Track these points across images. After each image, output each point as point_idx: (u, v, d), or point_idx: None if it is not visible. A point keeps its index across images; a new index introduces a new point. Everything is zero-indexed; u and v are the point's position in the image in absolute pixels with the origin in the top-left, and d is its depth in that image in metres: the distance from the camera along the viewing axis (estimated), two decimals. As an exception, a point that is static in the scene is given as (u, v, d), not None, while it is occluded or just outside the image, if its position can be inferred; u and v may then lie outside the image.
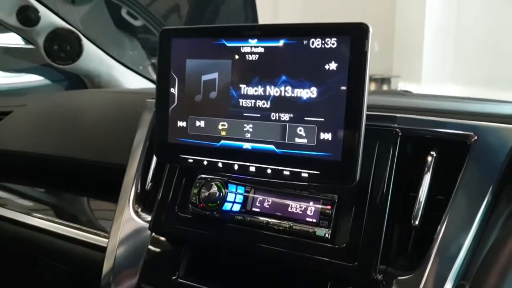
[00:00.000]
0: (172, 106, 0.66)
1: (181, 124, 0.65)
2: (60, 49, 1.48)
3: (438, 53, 3.50)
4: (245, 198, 0.67)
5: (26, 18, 1.41)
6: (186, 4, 2.44)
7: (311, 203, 0.62)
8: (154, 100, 0.87)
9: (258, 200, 0.66)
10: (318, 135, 0.56)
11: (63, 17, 1.50)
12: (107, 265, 0.75)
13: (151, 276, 0.70)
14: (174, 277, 0.69)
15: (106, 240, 0.77)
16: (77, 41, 1.49)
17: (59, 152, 0.97)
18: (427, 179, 0.60)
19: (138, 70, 1.74)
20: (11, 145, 1.09)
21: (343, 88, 0.55)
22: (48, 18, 1.46)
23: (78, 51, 1.49)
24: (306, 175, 0.57)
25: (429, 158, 0.60)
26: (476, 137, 0.59)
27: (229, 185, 0.67)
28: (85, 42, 1.50)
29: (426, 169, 0.60)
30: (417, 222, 0.59)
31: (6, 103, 1.27)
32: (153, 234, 0.73)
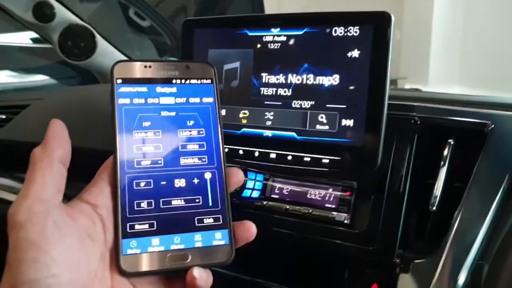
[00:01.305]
0: (194, 95, 0.67)
1: (203, 112, 0.67)
2: (74, 46, 1.50)
3: (445, 55, 3.50)
4: (264, 185, 0.68)
5: (42, 14, 1.43)
6: (193, 4, 2.46)
7: (330, 190, 0.64)
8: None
9: (277, 186, 0.67)
10: (340, 122, 0.58)
11: (77, 13, 1.52)
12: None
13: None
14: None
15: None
16: (91, 37, 1.51)
17: (74, 143, 0.99)
18: (444, 166, 0.61)
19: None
20: (28, 136, 1.11)
21: (366, 75, 0.56)
22: (63, 15, 1.48)
23: (91, 47, 1.51)
24: (327, 161, 0.58)
25: (447, 146, 0.62)
26: (492, 126, 0.60)
27: (248, 172, 0.69)
28: (99, 38, 1.52)
29: (444, 156, 0.61)
30: (434, 208, 0.60)
31: (24, 97, 1.29)
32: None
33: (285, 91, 0.61)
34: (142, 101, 0.43)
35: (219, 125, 0.44)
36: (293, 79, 0.60)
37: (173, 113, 0.43)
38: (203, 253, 0.40)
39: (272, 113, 0.62)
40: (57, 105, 1.19)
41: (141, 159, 0.42)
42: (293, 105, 0.60)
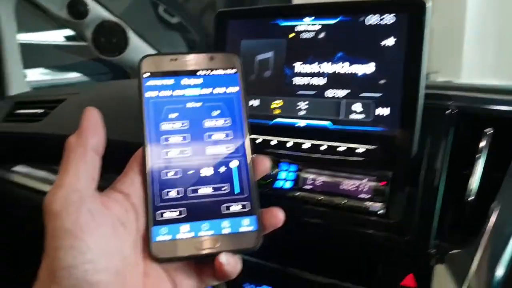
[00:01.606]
0: (227, 86, 0.68)
1: (235, 103, 0.67)
2: (107, 42, 1.52)
3: (480, 47, 3.41)
4: (297, 176, 0.68)
5: (76, 11, 1.46)
6: (222, 0, 2.47)
7: (364, 180, 0.63)
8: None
9: (310, 177, 0.67)
10: (375, 110, 0.57)
11: (110, 10, 1.55)
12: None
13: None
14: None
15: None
16: (123, 33, 1.53)
17: (109, 135, 1.01)
18: (482, 156, 0.60)
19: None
20: (64, 130, 1.13)
21: (401, 63, 0.55)
22: (96, 11, 1.51)
23: (124, 43, 1.53)
24: (361, 150, 0.58)
25: (484, 136, 0.60)
26: (532, 114, 0.59)
27: (281, 164, 0.69)
28: (131, 34, 1.54)
29: (481, 146, 0.60)
30: (471, 198, 0.59)
31: (60, 92, 1.32)
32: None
33: (318, 81, 0.60)
34: (169, 93, 0.44)
35: (244, 114, 0.45)
36: (327, 68, 0.60)
37: (199, 104, 0.44)
38: (231, 239, 0.41)
39: (305, 103, 0.61)
40: (91, 99, 1.21)
41: (169, 150, 0.43)
42: (327, 95, 0.60)
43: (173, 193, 0.42)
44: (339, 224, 0.63)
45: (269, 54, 0.64)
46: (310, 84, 0.61)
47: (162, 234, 0.40)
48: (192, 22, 2.22)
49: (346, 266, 0.65)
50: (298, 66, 0.62)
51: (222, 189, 0.43)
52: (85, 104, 1.21)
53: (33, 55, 1.65)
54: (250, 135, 0.44)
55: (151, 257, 0.40)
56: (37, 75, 2.22)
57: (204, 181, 0.43)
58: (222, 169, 0.43)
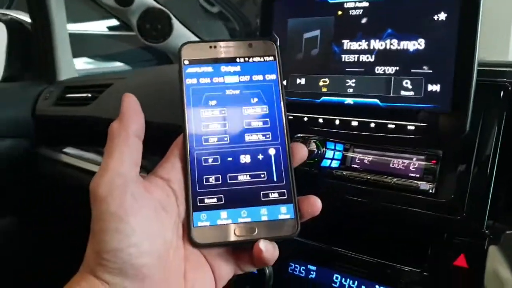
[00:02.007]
0: (273, 66, 0.68)
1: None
2: (152, 28, 1.55)
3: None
4: (344, 155, 0.68)
5: (123, -1, 1.49)
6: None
7: (414, 159, 0.62)
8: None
9: (357, 156, 0.66)
10: (426, 87, 0.56)
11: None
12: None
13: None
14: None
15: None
16: (168, 20, 1.55)
17: (155, 119, 1.03)
18: (539, 134, 0.57)
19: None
20: (111, 114, 1.16)
21: (454, 38, 0.54)
22: (141, -1, 1.54)
23: (168, 30, 1.55)
24: (412, 127, 0.57)
25: (541, 114, 0.58)
26: None
27: (327, 142, 0.69)
28: (175, 21, 1.56)
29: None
30: (527, 178, 0.57)
31: (108, 77, 1.36)
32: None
33: (367, 57, 0.60)
34: (208, 80, 0.44)
35: (282, 102, 0.45)
36: (376, 44, 0.59)
37: (237, 91, 0.45)
38: (269, 226, 0.42)
39: (353, 80, 0.61)
40: (137, 83, 1.24)
41: (209, 136, 0.43)
42: (376, 71, 0.59)
43: (212, 180, 0.43)
44: (388, 203, 0.62)
45: (316, 32, 0.64)
46: (358, 61, 0.60)
47: (202, 220, 0.41)
48: (232, 11, 2.23)
49: (395, 246, 0.64)
50: (347, 44, 0.61)
51: (260, 176, 0.43)
52: (131, 89, 1.25)
53: (78, 45, 1.69)
54: (287, 122, 0.45)
55: (191, 242, 0.41)
56: (82, 64, 2.28)
57: (243, 168, 0.43)
58: (260, 157, 0.44)
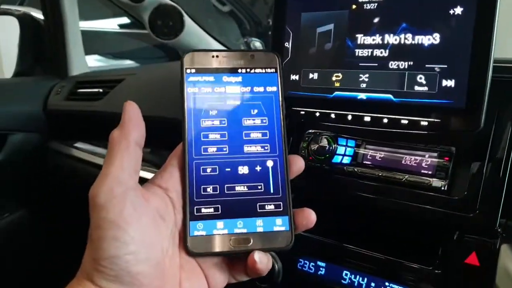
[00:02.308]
0: (286, 60, 0.68)
1: (294, 77, 0.67)
2: (164, 25, 1.55)
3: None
4: (356, 151, 0.67)
5: (135, -5, 1.49)
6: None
7: (426, 156, 0.62)
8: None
9: (369, 152, 0.66)
10: (440, 82, 0.55)
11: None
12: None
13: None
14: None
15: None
16: (179, 17, 1.55)
17: (166, 114, 1.03)
18: (555, 132, 0.57)
19: (232, 47, 1.78)
20: (122, 109, 1.17)
21: (470, 33, 0.53)
22: (153, -5, 1.54)
23: (180, 26, 1.55)
24: (425, 123, 0.56)
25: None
26: None
27: (339, 138, 0.68)
28: (187, 18, 1.56)
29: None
30: (542, 176, 0.56)
31: (119, 72, 1.36)
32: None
33: (381, 52, 0.59)
34: (210, 90, 0.45)
35: (282, 114, 0.45)
36: (390, 39, 0.58)
37: (238, 102, 0.45)
38: (264, 237, 0.42)
39: (367, 75, 0.60)
40: (148, 79, 1.24)
41: (208, 146, 0.44)
42: (390, 66, 0.58)
43: (210, 190, 0.43)
44: (399, 200, 0.61)
45: (330, 26, 0.63)
46: (372, 55, 0.60)
47: (198, 229, 0.42)
48: (243, 11, 2.23)
49: (405, 243, 0.63)
50: (360, 38, 0.60)
51: (258, 188, 0.44)
52: (141, 84, 1.26)
53: (89, 42, 1.71)
54: (286, 134, 0.45)
55: (187, 251, 0.41)
56: (93, 61, 2.29)
57: (240, 179, 0.44)
58: (258, 168, 0.44)
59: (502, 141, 0.58)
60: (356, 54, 0.61)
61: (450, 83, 0.55)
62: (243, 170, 0.44)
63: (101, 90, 1.29)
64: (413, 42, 0.57)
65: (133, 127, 0.40)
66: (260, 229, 0.43)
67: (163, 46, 1.88)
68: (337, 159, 0.67)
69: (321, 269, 0.67)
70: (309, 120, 0.68)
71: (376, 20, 0.59)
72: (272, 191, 0.44)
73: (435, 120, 0.56)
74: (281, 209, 0.43)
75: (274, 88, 0.46)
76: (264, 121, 0.45)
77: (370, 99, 0.60)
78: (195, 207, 0.42)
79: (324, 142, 0.68)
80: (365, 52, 0.60)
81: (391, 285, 0.61)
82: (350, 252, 0.65)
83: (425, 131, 0.57)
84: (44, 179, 1.43)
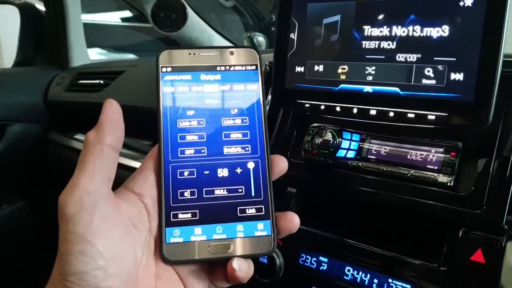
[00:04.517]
0: (291, 52, 0.66)
1: (299, 69, 0.66)
2: (166, 17, 1.53)
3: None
4: (360, 145, 0.66)
5: (137, -14, 1.48)
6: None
7: (432, 151, 0.61)
8: (263, 55, 0.89)
9: (374, 147, 0.65)
10: (449, 76, 0.54)
11: (170, -14, 1.56)
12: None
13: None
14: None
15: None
16: (182, 9, 1.54)
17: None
18: None
19: (236, 42, 1.77)
20: (123, 100, 1.16)
21: (480, 25, 0.52)
22: (156, -13, 1.52)
23: (182, 19, 1.54)
24: (432, 117, 0.55)
25: None
26: None
27: (344, 132, 0.67)
28: (190, 11, 1.55)
29: None
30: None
31: (120, 64, 1.35)
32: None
33: (388, 44, 0.58)
34: (187, 89, 0.43)
35: (263, 113, 0.43)
36: (398, 31, 0.57)
37: (217, 101, 0.43)
38: (244, 243, 0.41)
39: (373, 68, 0.59)
40: (149, 71, 1.23)
41: (185, 148, 0.42)
42: (397, 59, 0.57)
43: (187, 194, 0.41)
44: (404, 195, 0.61)
45: (337, 18, 0.62)
46: (379, 48, 0.59)
47: (175, 236, 0.40)
48: (246, 6, 2.22)
49: (410, 240, 0.62)
50: (368, 30, 0.59)
51: (238, 191, 0.42)
52: (142, 76, 1.25)
53: (91, 35, 1.69)
54: (267, 135, 0.43)
55: (163, 259, 0.39)
56: (95, 54, 2.28)
57: (220, 182, 0.42)
58: (239, 170, 0.42)
59: (510, 137, 0.57)
60: (363, 46, 0.60)
61: (459, 76, 0.54)
62: (223, 172, 0.42)
63: (102, 82, 1.28)
64: (421, 34, 0.56)
65: (109, 130, 0.38)
66: (240, 235, 0.41)
67: (165, 40, 1.86)
68: (341, 153, 0.66)
69: (323, 264, 0.66)
70: (313, 113, 0.67)
71: (383, 11, 0.58)
72: (253, 194, 0.42)
73: (443, 114, 0.54)
74: (263, 213, 0.42)
75: (255, 86, 0.44)
76: (245, 120, 0.43)
77: (376, 92, 0.59)
78: (172, 213, 0.40)
79: (329, 136, 0.67)
80: (372, 44, 0.59)
81: (394, 282, 0.60)
82: (353, 248, 0.64)
83: (432, 125, 0.56)
84: (43, 170, 1.42)
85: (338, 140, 0.67)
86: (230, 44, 1.71)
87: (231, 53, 0.44)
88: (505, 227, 0.55)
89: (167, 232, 0.40)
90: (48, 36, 1.58)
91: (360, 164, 0.65)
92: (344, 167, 0.66)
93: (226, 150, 0.43)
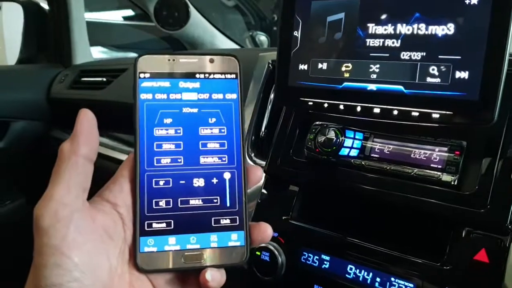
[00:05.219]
0: (295, 50, 0.66)
1: (303, 67, 0.66)
2: (169, 15, 1.54)
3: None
4: (364, 144, 0.66)
5: (140, -15, 1.48)
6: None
7: (436, 149, 0.60)
8: (266, 54, 0.89)
9: (377, 145, 0.65)
10: (453, 74, 0.54)
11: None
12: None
13: (265, 216, 0.72)
14: (286, 218, 0.70)
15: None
16: (185, 8, 1.54)
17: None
18: None
19: (238, 41, 1.77)
20: (125, 98, 1.16)
21: (485, 24, 0.52)
22: (159, -15, 1.52)
23: (185, 17, 1.54)
24: (437, 116, 0.55)
25: None
26: None
27: (347, 131, 0.67)
28: (192, 9, 1.55)
29: None
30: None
31: (123, 62, 1.35)
32: (267, 177, 0.74)
33: (393, 42, 0.58)
34: (165, 96, 0.42)
35: (241, 123, 0.43)
36: (403, 29, 0.57)
37: (195, 110, 0.43)
38: (218, 253, 0.41)
39: (377, 66, 0.59)
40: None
41: (161, 157, 0.41)
42: (402, 57, 0.57)
43: (162, 204, 0.41)
44: (407, 194, 0.60)
45: (341, 15, 0.62)
46: (383, 46, 0.58)
47: (149, 246, 0.40)
48: (248, 5, 2.22)
49: (413, 239, 0.62)
50: (372, 28, 0.59)
51: (213, 201, 0.42)
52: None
53: (93, 34, 1.70)
54: (245, 145, 0.43)
55: (137, 267, 0.39)
56: (97, 53, 2.28)
57: (195, 192, 0.42)
58: (215, 181, 0.42)
59: (514, 136, 0.56)
60: (367, 44, 0.60)
61: (464, 75, 0.53)
62: (199, 182, 0.42)
63: (104, 79, 1.28)
64: (426, 32, 0.55)
65: (84, 141, 0.37)
66: (214, 245, 0.41)
67: (168, 38, 1.86)
68: (344, 151, 0.66)
69: (325, 262, 0.65)
70: (317, 110, 0.66)
71: (388, 9, 0.58)
72: (228, 204, 0.42)
73: (447, 112, 0.54)
74: (237, 224, 0.42)
75: (234, 96, 0.43)
76: (223, 130, 0.43)
77: (380, 90, 0.59)
78: (146, 222, 0.40)
79: (332, 134, 0.66)
80: (376, 42, 0.59)
81: (396, 280, 0.60)
82: (356, 246, 0.64)
83: (436, 124, 0.55)
84: (45, 167, 1.42)
85: (341, 139, 0.66)
86: (232, 43, 1.71)
87: (211, 60, 0.44)
88: (509, 226, 0.54)
89: (141, 242, 0.40)
90: (51, 34, 1.58)
91: (363, 163, 0.65)
92: (347, 165, 0.66)
93: (203, 160, 0.42)
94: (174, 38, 1.65)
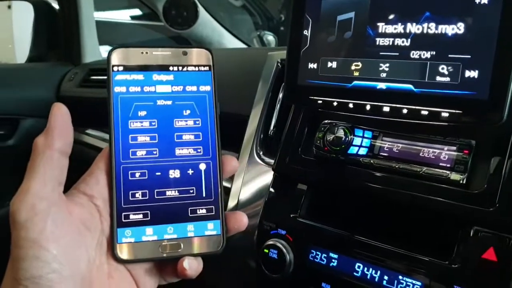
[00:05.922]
0: (304, 48, 0.67)
1: (312, 66, 0.66)
2: (178, 14, 1.55)
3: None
4: (373, 142, 0.66)
5: (149, -16, 1.49)
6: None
7: (445, 148, 0.61)
8: (275, 53, 0.89)
9: (386, 144, 0.65)
10: (463, 73, 0.54)
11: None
12: (231, 205, 0.78)
13: (273, 214, 0.72)
14: (294, 215, 0.70)
15: (230, 182, 0.81)
16: (194, 7, 1.55)
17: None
18: None
19: (245, 40, 1.78)
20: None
21: (495, 23, 0.52)
22: (168, -15, 1.53)
23: (194, 17, 1.55)
24: (446, 114, 0.55)
25: None
26: None
27: (356, 129, 0.67)
28: (201, 9, 1.56)
29: None
30: None
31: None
32: (276, 176, 0.74)
33: (403, 41, 0.58)
34: (138, 89, 0.43)
35: (215, 114, 0.44)
36: (413, 28, 0.57)
37: (169, 102, 0.43)
38: (194, 242, 0.42)
39: (387, 65, 0.59)
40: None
41: (137, 150, 0.42)
42: (412, 56, 0.57)
43: (139, 195, 0.42)
44: (416, 193, 0.60)
45: (351, 14, 0.62)
46: (393, 45, 0.59)
47: (126, 236, 0.41)
48: (255, 5, 2.23)
49: (421, 237, 0.62)
50: (382, 27, 0.59)
51: (189, 192, 0.43)
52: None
53: (102, 33, 1.71)
54: (219, 136, 0.44)
55: (115, 258, 0.40)
56: (106, 52, 2.29)
57: (171, 183, 0.42)
58: (190, 172, 0.43)
59: (524, 135, 0.57)
60: (377, 43, 0.60)
61: (474, 74, 0.53)
62: (174, 174, 0.42)
63: (105, 78, 1.29)
64: (436, 31, 0.56)
65: (58, 135, 0.38)
66: (191, 234, 0.42)
67: (176, 38, 1.87)
68: (353, 150, 0.66)
69: (333, 260, 0.66)
70: (326, 109, 0.67)
71: (398, 8, 0.58)
72: (204, 195, 0.43)
73: (457, 111, 0.54)
74: (213, 213, 0.43)
75: (207, 88, 0.44)
76: (197, 122, 0.43)
77: (390, 89, 0.59)
78: (123, 214, 0.41)
79: (341, 133, 0.67)
80: (386, 41, 0.59)
81: (404, 278, 0.60)
82: (364, 244, 0.64)
83: (445, 123, 0.55)
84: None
85: (350, 137, 0.66)
86: (239, 43, 1.71)
87: (184, 53, 0.44)
88: (518, 226, 0.54)
89: (119, 233, 0.41)
90: (61, 33, 1.60)
91: (372, 161, 0.65)
92: (356, 164, 0.66)
93: (178, 151, 0.43)
94: (182, 38, 1.66)
